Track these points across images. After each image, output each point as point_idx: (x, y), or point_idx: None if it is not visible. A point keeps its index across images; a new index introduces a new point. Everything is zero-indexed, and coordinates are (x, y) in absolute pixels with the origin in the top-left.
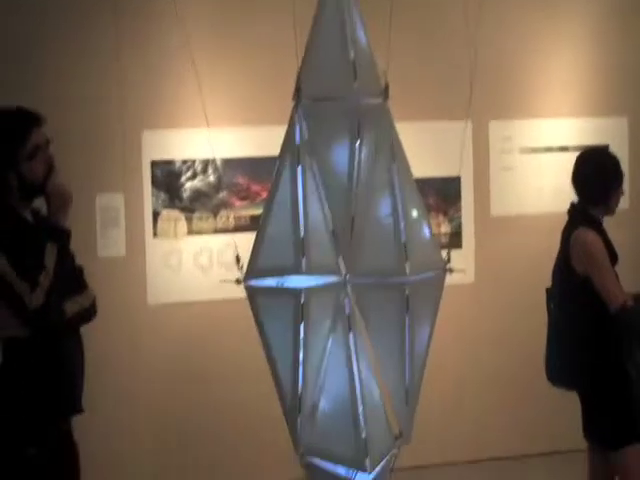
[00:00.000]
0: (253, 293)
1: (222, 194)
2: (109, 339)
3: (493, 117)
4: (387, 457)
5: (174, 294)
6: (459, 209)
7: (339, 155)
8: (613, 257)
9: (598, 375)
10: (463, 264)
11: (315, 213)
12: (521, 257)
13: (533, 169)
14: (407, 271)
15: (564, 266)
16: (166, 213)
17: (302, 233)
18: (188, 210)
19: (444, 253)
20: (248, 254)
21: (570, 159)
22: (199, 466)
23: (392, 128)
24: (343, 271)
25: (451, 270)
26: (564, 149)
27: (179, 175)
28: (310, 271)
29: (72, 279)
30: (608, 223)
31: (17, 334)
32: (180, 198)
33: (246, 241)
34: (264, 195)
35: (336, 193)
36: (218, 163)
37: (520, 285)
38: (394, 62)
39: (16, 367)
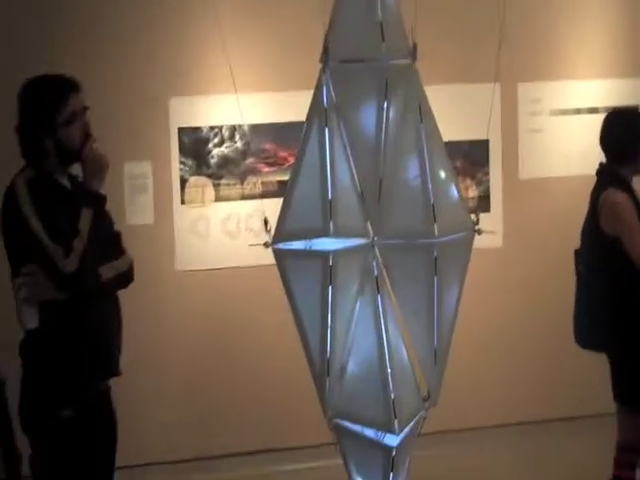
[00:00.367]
0: (281, 256)
1: (249, 160)
2: (137, 306)
3: (521, 79)
4: (415, 419)
5: (202, 261)
6: (487, 173)
7: (367, 117)
8: None
9: (627, 336)
10: (491, 228)
11: (343, 175)
12: (550, 220)
13: (562, 131)
14: (435, 232)
15: (593, 227)
16: (194, 180)
17: (330, 196)
18: (215, 177)
19: (473, 215)
20: (275, 220)
21: (599, 121)
22: (225, 431)
23: (420, 89)
24: (371, 233)
25: (480, 231)
26: (593, 111)
27: (206, 142)
28: (338, 234)
29: (109, 244)
30: (638, 183)
31: (54, 297)
32: (207, 165)
33: (274, 207)
34: (291, 161)
35: (364, 155)
36: (245, 129)
37: (548, 248)
38: (421, 24)
39: (52, 330)
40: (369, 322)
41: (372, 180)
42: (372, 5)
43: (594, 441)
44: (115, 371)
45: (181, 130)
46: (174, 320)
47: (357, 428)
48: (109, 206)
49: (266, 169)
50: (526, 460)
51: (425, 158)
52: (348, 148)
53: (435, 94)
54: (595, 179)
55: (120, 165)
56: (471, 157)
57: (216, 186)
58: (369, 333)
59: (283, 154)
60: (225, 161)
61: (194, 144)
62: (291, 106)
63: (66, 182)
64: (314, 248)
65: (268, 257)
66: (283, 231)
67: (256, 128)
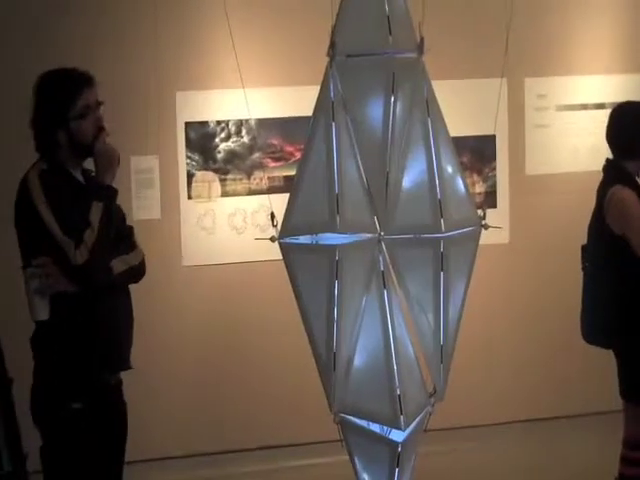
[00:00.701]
0: (288, 251)
1: (256, 155)
2: (144, 301)
3: (528, 74)
4: (421, 415)
5: (208, 256)
6: (494, 168)
7: (374, 111)
8: None
9: (633, 332)
10: (498, 224)
11: (349, 170)
12: (556, 216)
13: (569, 127)
14: (442, 227)
15: (599, 224)
16: (200, 175)
17: (337, 190)
18: (222, 172)
19: (480, 210)
20: (282, 215)
21: (606, 116)
22: (232, 426)
23: (427, 83)
24: (378, 228)
25: (487, 226)
26: (600, 106)
27: (213, 136)
28: (345, 229)
29: (121, 238)
30: None
31: (65, 289)
32: (214, 159)
33: (280, 202)
34: (298, 156)
35: (371, 149)
36: (252, 124)
37: (555, 244)
38: (428, 18)
39: (63, 322)
40: (375, 317)
41: (379, 175)
42: None
43: (601, 438)
44: (126, 365)
45: (188, 125)
46: (180, 314)
47: (363, 423)
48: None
49: (272, 164)
50: (533, 457)
51: (432, 153)
52: (355, 142)
53: (442, 89)
54: (602, 175)
55: (127, 159)
56: (478, 152)
57: (223, 181)
58: (375, 328)
59: (290, 149)
60: (232, 156)
61: (201, 139)
62: (298, 101)
63: (79, 176)
64: (321, 243)
65: (274, 252)
66: (290, 225)
67: (263, 123)
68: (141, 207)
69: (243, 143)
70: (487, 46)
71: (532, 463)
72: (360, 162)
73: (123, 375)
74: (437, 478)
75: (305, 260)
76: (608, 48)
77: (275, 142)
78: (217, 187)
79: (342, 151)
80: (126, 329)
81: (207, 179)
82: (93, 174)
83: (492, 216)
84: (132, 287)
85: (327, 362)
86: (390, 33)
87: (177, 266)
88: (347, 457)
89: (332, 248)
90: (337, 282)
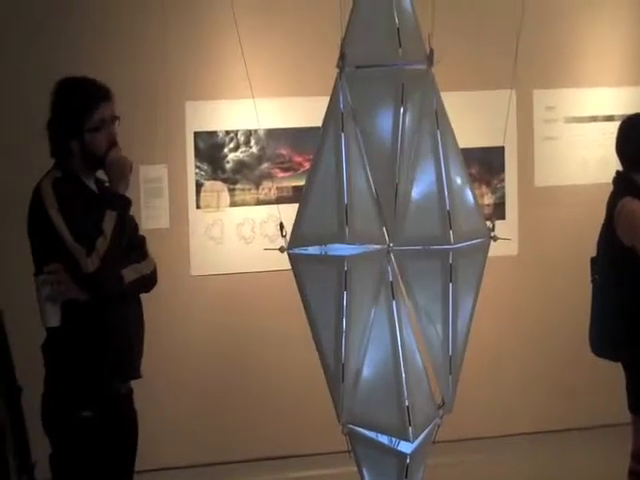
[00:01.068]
0: (296, 261)
1: (265, 165)
2: (153, 310)
3: (537, 86)
4: (430, 426)
5: (217, 266)
6: (502, 180)
7: (383, 122)
8: None
9: None
10: (506, 235)
11: (359, 181)
12: (565, 228)
13: (578, 139)
14: (451, 239)
15: (609, 236)
16: (209, 185)
17: (346, 201)
18: (231, 181)
19: (488, 222)
20: (290, 225)
21: (615, 129)
22: (239, 437)
23: (436, 95)
24: (387, 239)
25: (495, 238)
26: (609, 118)
27: (222, 146)
28: (354, 239)
29: (133, 247)
30: None
31: (76, 297)
32: (223, 169)
33: (289, 212)
34: (307, 166)
35: (380, 160)
36: (261, 134)
37: (564, 256)
38: (438, 30)
39: (74, 329)
40: (384, 328)
41: (388, 186)
42: (389, 10)
43: (609, 451)
44: (136, 374)
45: (197, 134)
46: (188, 324)
47: (371, 434)
48: None
49: (281, 174)
50: (541, 469)
51: (441, 164)
52: (364, 153)
53: (451, 100)
54: (611, 187)
55: (136, 169)
56: (487, 164)
57: (231, 191)
58: (384, 339)
59: (298, 159)
60: (240, 166)
61: (210, 148)
62: (307, 111)
63: (92, 185)
64: (330, 253)
65: (283, 262)
66: (299, 236)
67: (272, 133)
68: (150, 216)
69: (252, 153)
70: (496, 58)
71: (540, 476)
72: (369, 173)
73: (132, 384)
74: None
75: (314, 271)
76: (617, 60)
77: (284, 152)
78: (226, 197)
79: (351, 162)
80: (137, 338)
81: (216, 189)
82: (106, 184)
83: (501, 228)
84: (141, 296)
85: (335, 373)
86: (400, 45)
87: (185, 276)
88: (355, 468)
89: (341, 259)
90: (346, 293)
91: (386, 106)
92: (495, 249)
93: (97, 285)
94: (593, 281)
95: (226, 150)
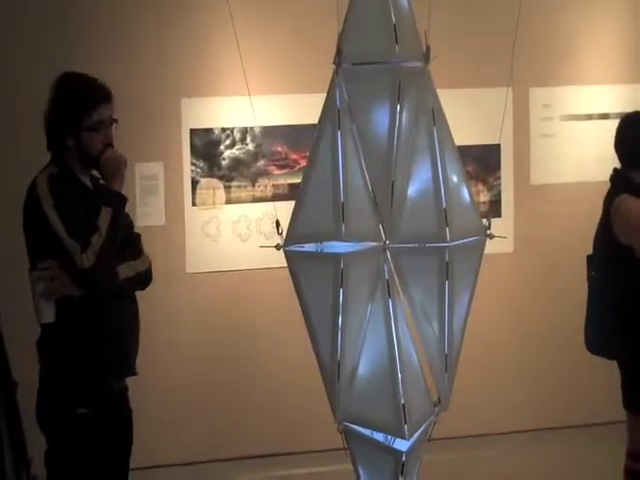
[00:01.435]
0: (293, 259)
1: (261, 162)
2: (149, 307)
3: (533, 84)
4: (425, 424)
5: (213, 263)
6: (498, 177)
7: (379, 119)
8: None
9: (638, 343)
10: (502, 233)
11: (355, 178)
12: (561, 226)
13: (573, 137)
14: (447, 237)
15: (606, 234)
16: (205, 182)
17: (342, 198)
18: (227, 179)
19: (484, 220)
20: (287, 223)
21: (611, 127)
22: (235, 434)
23: (433, 92)
24: (383, 236)
25: (492, 236)
26: (605, 116)
27: (218, 143)
28: (350, 237)
29: (128, 244)
30: None
31: (71, 293)
32: (219, 166)
33: (285, 210)
34: (303, 163)
35: (376, 158)
36: (257, 131)
37: (559, 254)
38: (434, 27)
39: (69, 326)
40: (380, 326)
41: (384, 183)
42: (385, 7)
43: (606, 448)
44: (131, 371)
45: (193, 131)
46: (184, 321)
47: (367, 432)
48: None
49: (277, 171)
50: (537, 467)
51: (437, 162)
52: (360, 151)
53: (448, 98)
54: (608, 185)
55: (131, 166)
56: (483, 161)
57: (227, 188)
58: (380, 337)
59: (294, 156)
60: (236, 163)
61: (206, 146)
62: (303, 108)
63: (88, 182)
64: (326, 251)
65: (279, 259)
66: (295, 233)
67: (268, 130)
68: (145, 214)
69: (248, 150)
70: (493, 55)
71: (537, 473)
72: (366, 170)
73: (127, 381)
74: None
75: (310, 268)
76: (613, 58)
77: (280, 149)
78: (222, 194)
79: (348, 159)
80: (132, 335)
81: (212, 186)
82: (101, 181)
83: (496, 225)
84: (137, 294)
85: (331, 370)
86: (396, 42)
87: (181, 273)
88: (351, 466)
89: (337, 256)
90: (342, 290)
91: (382, 103)
92: (491, 246)
93: (92, 281)
94: (589, 279)
95: (222, 147)
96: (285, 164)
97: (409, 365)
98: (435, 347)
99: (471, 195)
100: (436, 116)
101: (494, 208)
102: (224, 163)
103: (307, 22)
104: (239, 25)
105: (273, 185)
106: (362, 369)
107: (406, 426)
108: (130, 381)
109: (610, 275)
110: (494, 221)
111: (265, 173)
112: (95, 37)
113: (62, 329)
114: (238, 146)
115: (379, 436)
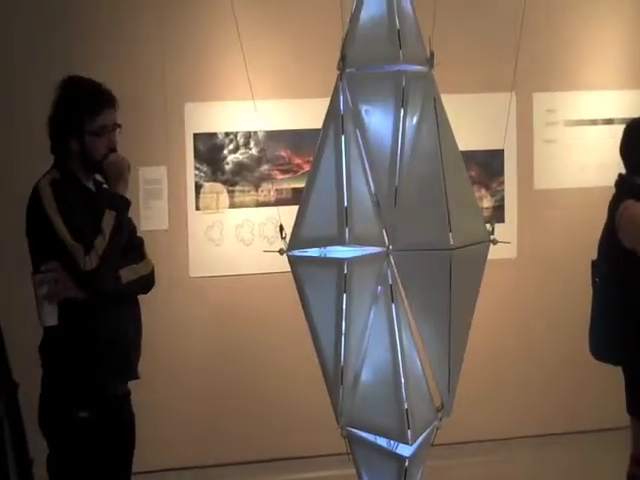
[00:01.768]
0: (296, 263)
1: (264, 167)
2: (152, 311)
3: (537, 89)
4: (428, 430)
5: (216, 267)
6: (502, 182)
7: (383, 124)
8: None
9: None
10: (506, 238)
11: (359, 183)
12: (564, 231)
13: (577, 142)
14: (451, 242)
15: (611, 239)
16: (208, 186)
17: (346, 203)
18: (230, 183)
19: (488, 225)
20: (290, 227)
21: (615, 132)
22: (237, 439)
23: (437, 97)
24: (386, 241)
25: (495, 241)
26: (609, 122)
27: (221, 148)
28: (353, 242)
29: (131, 248)
30: None
31: (74, 296)
32: (222, 171)
33: (288, 214)
34: (306, 168)
35: (380, 163)
36: (260, 135)
37: (563, 260)
38: (438, 32)
39: (72, 329)
40: (383, 331)
41: (388, 188)
42: (390, 12)
43: (609, 454)
44: (133, 374)
45: (196, 136)
46: (187, 325)
47: (370, 437)
48: None
49: (281, 176)
50: (540, 472)
51: (441, 167)
52: (364, 156)
53: (451, 103)
54: (613, 190)
55: (135, 170)
56: (486, 167)
57: (231, 192)
58: (383, 342)
59: (298, 161)
60: (240, 168)
61: (209, 150)
62: (307, 113)
63: (91, 185)
64: (329, 256)
65: (282, 264)
66: (298, 238)
67: (271, 135)
68: (149, 217)
69: (251, 155)
70: (497, 61)
71: (539, 479)
72: (369, 175)
73: (130, 385)
74: None
75: (313, 273)
76: (617, 63)
77: (283, 154)
78: (225, 198)
79: (351, 164)
80: (134, 339)
81: (215, 190)
82: (104, 185)
83: (500, 231)
84: (140, 298)
85: (335, 375)
86: (400, 47)
87: (184, 277)
88: (354, 470)
89: (341, 261)
90: (345, 295)
91: (386, 108)
92: (494, 252)
93: (95, 284)
94: (594, 284)
95: (225, 152)
96: (289, 169)
97: (412, 370)
98: (438, 352)
99: (475, 200)
100: (440, 121)
101: (497, 213)
102: (227, 167)
103: (311, 27)
104: (243, 29)
105: (277, 190)
106: (365, 374)
107: (409, 431)
108: (133, 385)
109: (615, 280)
110: (497, 226)
111: (269, 178)
112: (98, 42)
113: (65, 332)
114: (242, 150)
115: (382, 441)
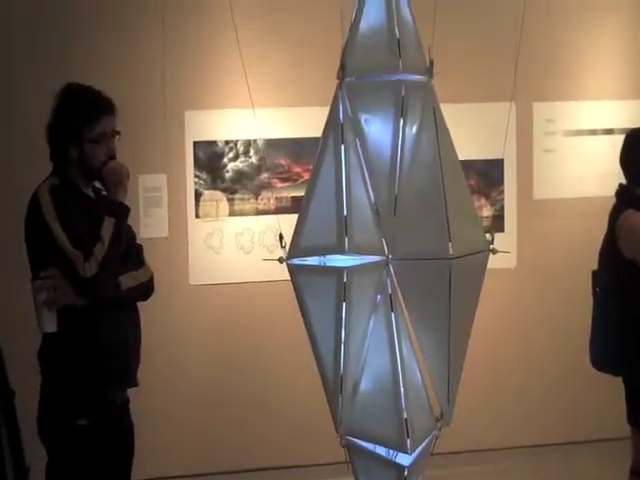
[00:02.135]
0: (296, 272)
1: (264, 175)
2: (151, 319)
3: (537, 99)
4: (428, 439)
5: (216, 275)
6: (501, 192)
7: (383, 133)
8: None
9: None
10: (505, 248)
11: (358, 192)
12: (564, 241)
13: (577, 152)
14: (450, 251)
15: (611, 248)
16: (208, 194)
17: (345, 212)
18: (230, 191)
19: (487, 235)
20: (290, 236)
21: (615, 142)
22: (236, 447)
23: (436, 106)
24: (386, 250)
25: (495, 251)
26: (609, 132)
27: (221, 156)
28: (353, 251)
29: (131, 255)
30: None
31: (73, 303)
32: (222, 179)
33: (288, 223)
34: (306, 176)
35: (379, 172)
36: (260, 144)
37: (562, 269)
38: (438, 42)
39: (70, 335)
40: (383, 339)
41: (387, 197)
42: (389, 22)
43: (609, 464)
44: (132, 382)
45: (196, 144)
46: (187, 333)
47: (369, 446)
48: None
49: (280, 184)
50: None
51: (441, 176)
52: (364, 164)
53: (451, 112)
54: (613, 200)
55: (135, 178)
56: (486, 176)
57: (230, 200)
58: (382, 351)
59: (297, 169)
60: (240, 176)
61: (209, 158)
62: (306, 121)
63: (90, 193)
64: (329, 264)
65: (282, 273)
66: (298, 247)
67: (271, 143)
68: (149, 225)
69: (251, 163)
70: (496, 70)
71: None
72: (369, 184)
73: (129, 393)
74: None
75: (313, 282)
76: (617, 73)
77: (283, 162)
78: (225, 206)
79: (351, 173)
80: (133, 346)
81: (215, 198)
82: (103, 192)
83: (499, 240)
84: (139, 305)
85: (334, 384)
86: (400, 56)
87: (184, 285)
88: (353, 479)
89: (340, 270)
90: (345, 304)
91: (386, 117)
92: (494, 261)
93: (94, 290)
94: (594, 294)
95: (225, 160)
96: (288, 177)
97: (412, 379)
98: (438, 361)
99: (474, 210)
100: (439, 130)
101: (497, 223)
102: (227, 175)
103: (311, 36)
104: (243, 38)
105: (276, 198)
106: (365, 383)
107: (408, 440)
108: (133, 392)
109: (615, 290)
110: (497, 236)
111: (268, 186)
112: (98, 50)
113: (64, 339)
114: (241, 159)
115: (381, 450)
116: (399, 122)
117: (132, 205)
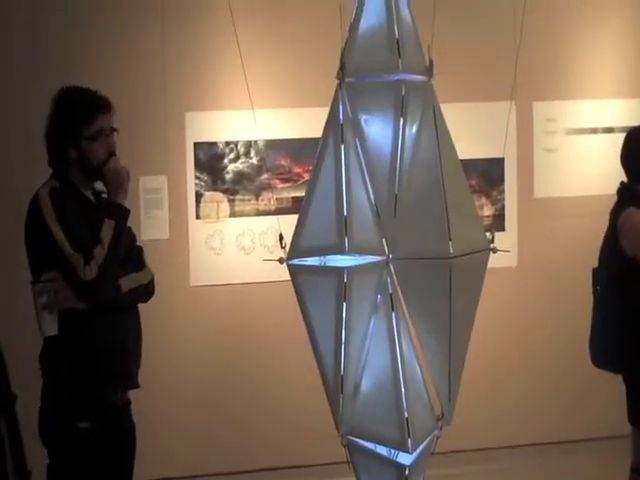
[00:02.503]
0: (296, 272)
1: (264, 176)
2: (152, 320)
3: (537, 98)
4: (429, 438)
5: (216, 276)
6: (502, 191)
7: (383, 133)
8: None
9: None
10: (506, 247)
11: (358, 192)
12: (565, 240)
13: (577, 151)
14: (450, 250)
15: (612, 246)
16: (209, 195)
17: (345, 212)
18: (230, 192)
19: (488, 234)
20: (290, 236)
21: (615, 141)
22: (237, 447)
23: (436, 106)
24: (386, 250)
25: (495, 250)
26: (609, 130)
27: (222, 157)
28: (353, 251)
29: (131, 257)
30: None
31: (74, 306)
32: (223, 180)
33: (288, 223)
34: (306, 177)
35: (380, 172)
36: (260, 145)
37: (563, 268)
38: (438, 41)
39: (72, 338)
40: (383, 339)
41: (388, 197)
42: (389, 22)
43: (610, 463)
44: (133, 383)
45: (197, 145)
46: (188, 335)
47: (370, 446)
48: None
49: (281, 185)
50: None
51: (441, 175)
52: (364, 165)
53: (451, 112)
54: (614, 198)
55: (135, 179)
56: (486, 175)
57: (231, 201)
58: (383, 350)
59: (298, 170)
60: (240, 177)
61: (210, 159)
62: (307, 122)
63: (90, 195)
64: (329, 265)
65: (282, 273)
66: (298, 247)
67: (271, 144)
68: (149, 227)
69: (252, 164)
70: (496, 69)
71: None
72: (369, 184)
73: (130, 394)
74: None
75: (313, 282)
76: (617, 72)
77: (284, 163)
78: (225, 207)
79: (351, 173)
80: (134, 348)
81: (215, 199)
82: (104, 195)
83: (500, 239)
84: (140, 307)
85: (334, 384)
86: (399, 56)
87: (185, 286)
88: (354, 479)
89: (340, 270)
90: (345, 304)
91: (386, 117)
92: (494, 260)
93: (94, 293)
94: (594, 292)
95: (226, 161)
96: (289, 178)
97: (412, 379)
98: (438, 361)
99: (475, 209)
100: (439, 130)
101: (498, 222)
102: (228, 176)
103: (311, 36)
104: (242, 39)
105: (277, 199)
106: (365, 383)
107: (409, 440)
108: (134, 394)
109: (615, 288)
110: (498, 235)
111: (269, 187)
112: (99, 51)
113: (65, 342)
114: (242, 160)
115: (382, 450)
116: (399, 122)
117: (133, 207)
